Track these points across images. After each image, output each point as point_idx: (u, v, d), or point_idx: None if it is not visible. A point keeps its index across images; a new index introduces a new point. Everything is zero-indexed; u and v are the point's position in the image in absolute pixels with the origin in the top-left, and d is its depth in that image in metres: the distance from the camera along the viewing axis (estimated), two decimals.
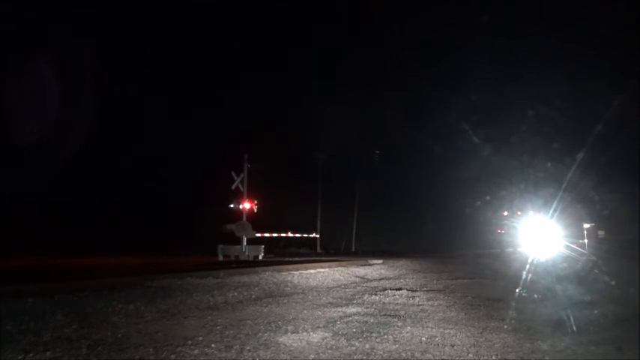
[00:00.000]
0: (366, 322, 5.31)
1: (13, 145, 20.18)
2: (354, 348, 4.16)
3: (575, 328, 5.00)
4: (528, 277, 9.50)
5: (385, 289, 8.16)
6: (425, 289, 8.47)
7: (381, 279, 10.28)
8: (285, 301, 6.88)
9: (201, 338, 4.44)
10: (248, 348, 4.12)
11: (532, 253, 14.89)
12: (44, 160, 20.94)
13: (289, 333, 4.73)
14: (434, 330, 4.90)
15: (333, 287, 8.66)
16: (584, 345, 4.30)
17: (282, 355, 3.95)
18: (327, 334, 4.70)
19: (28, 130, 19.04)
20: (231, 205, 17.28)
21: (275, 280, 8.93)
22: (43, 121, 19.09)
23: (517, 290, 7.94)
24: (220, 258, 16.03)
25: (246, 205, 17.26)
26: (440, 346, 4.26)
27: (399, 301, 6.88)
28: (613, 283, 9.00)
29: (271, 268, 10.35)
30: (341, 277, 10.22)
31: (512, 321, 5.39)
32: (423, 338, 4.53)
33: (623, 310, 6.10)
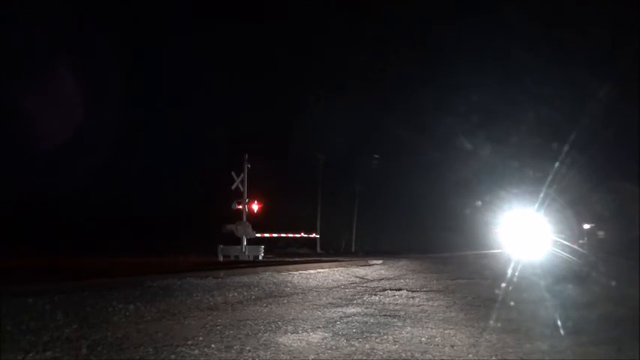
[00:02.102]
0: (366, 322, 5.32)
1: (20, 149, 20.24)
2: (353, 348, 4.16)
3: (575, 329, 5.00)
4: (528, 278, 9.50)
5: (385, 290, 8.16)
6: (425, 289, 8.48)
7: (380, 279, 10.28)
8: (285, 301, 6.89)
9: (201, 338, 4.44)
10: (248, 348, 4.12)
11: (532, 253, 14.90)
12: (48, 161, 20.96)
13: (289, 333, 4.73)
14: (434, 330, 4.90)
15: (333, 287, 8.66)
16: (584, 345, 4.31)
17: (282, 355, 3.95)
18: (326, 334, 4.70)
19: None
20: (232, 205, 17.26)
21: (275, 280, 8.93)
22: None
23: (517, 291, 7.94)
24: (220, 258, 16.00)
25: (246, 205, 17.25)
26: (440, 346, 4.26)
27: (398, 302, 6.89)
28: (612, 283, 9.01)
29: (271, 268, 10.35)
30: (341, 278, 10.23)
31: (512, 321, 5.39)
32: (422, 339, 4.53)
33: (622, 310, 6.11)
